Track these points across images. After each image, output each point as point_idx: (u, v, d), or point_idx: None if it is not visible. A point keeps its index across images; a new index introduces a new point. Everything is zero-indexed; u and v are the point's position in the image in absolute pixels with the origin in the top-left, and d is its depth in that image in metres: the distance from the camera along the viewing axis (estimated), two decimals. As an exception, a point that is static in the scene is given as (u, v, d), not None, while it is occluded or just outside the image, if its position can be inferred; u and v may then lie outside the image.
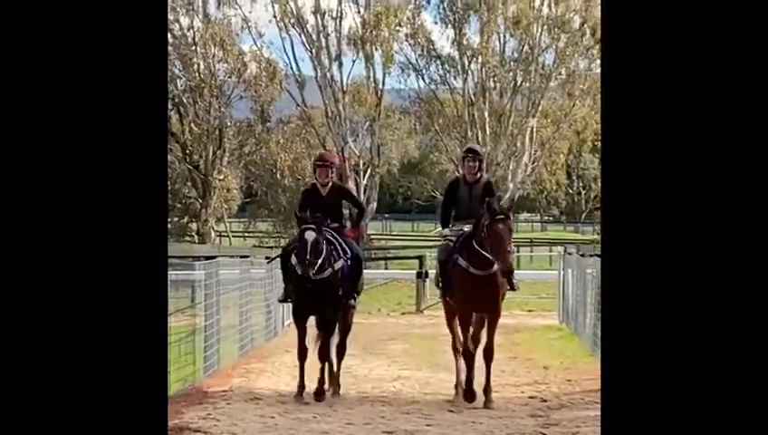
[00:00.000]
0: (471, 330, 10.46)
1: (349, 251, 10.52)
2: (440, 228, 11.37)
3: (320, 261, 9.96)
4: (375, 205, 37.05)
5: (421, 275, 24.80)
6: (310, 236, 9.96)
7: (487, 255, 9.78)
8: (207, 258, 12.52)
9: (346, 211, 10.96)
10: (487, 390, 10.06)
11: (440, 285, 10.77)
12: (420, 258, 27.95)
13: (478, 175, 10.62)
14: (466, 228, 10.31)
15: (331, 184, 10.79)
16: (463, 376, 10.42)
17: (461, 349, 10.50)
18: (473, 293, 10.17)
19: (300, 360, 10.49)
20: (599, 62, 36.44)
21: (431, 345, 15.92)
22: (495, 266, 9.88)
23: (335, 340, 10.90)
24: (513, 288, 10.47)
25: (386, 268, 32.87)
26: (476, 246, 9.93)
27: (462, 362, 10.51)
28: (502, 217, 9.71)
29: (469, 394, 10.14)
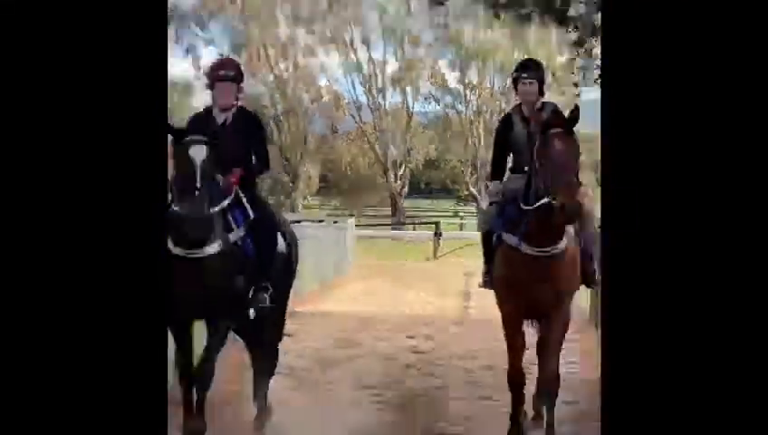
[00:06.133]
0: (521, 342, 6.73)
1: (252, 213, 6.49)
2: (488, 188, 7.25)
3: (210, 201, 5.84)
4: (407, 188, 45.25)
5: (436, 234, 32.46)
6: (198, 152, 6.01)
7: (547, 200, 6.01)
8: (295, 221, 14.26)
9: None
10: None
11: (485, 271, 6.89)
12: (436, 223, 35.04)
13: (539, 104, 6.87)
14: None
15: (235, 109, 6.61)
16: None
17: (514, 377, 6.83)
18: (522, 286, 6.42)
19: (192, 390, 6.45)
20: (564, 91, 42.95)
21: (442, 280, 20.45)
22: (564, 242, 6.27)
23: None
24: (588, 283, 6.72)
25: (413, 230, 40.38)
26: (528, 207, 6.20)
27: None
28: (559, 130, 6.09)
29: None
